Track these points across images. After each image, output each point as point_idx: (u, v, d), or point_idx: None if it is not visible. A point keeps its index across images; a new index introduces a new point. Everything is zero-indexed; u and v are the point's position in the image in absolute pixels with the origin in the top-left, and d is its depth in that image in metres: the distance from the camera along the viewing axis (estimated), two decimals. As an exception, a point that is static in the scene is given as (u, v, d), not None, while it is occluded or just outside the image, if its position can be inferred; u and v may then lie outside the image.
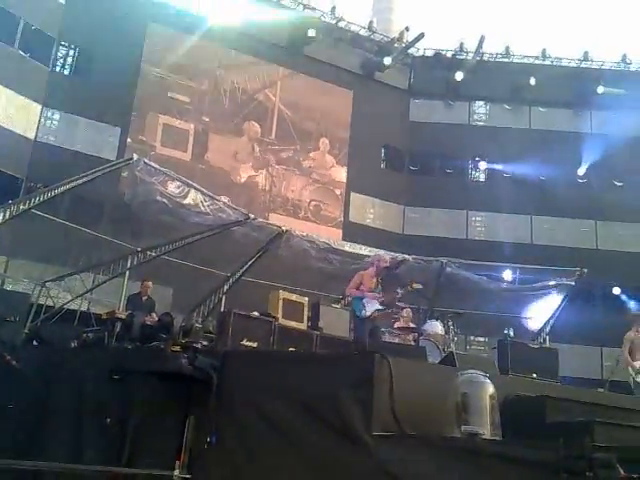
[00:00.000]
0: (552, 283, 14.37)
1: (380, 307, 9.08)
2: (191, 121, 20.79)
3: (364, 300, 8.96)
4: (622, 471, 3.47)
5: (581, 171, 22.56)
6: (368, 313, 8.90)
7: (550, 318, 14.63)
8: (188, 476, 4.90)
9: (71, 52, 20.00)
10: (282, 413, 4.90)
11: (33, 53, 18.67)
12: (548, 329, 14.58)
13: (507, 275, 16.24)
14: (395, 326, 10.53)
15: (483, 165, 23.77)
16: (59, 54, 19.74)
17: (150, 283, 11.21)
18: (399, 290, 9.22)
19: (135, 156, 11.37)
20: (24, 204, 12.04)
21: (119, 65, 18.97)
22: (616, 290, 19.92)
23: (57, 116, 19.09)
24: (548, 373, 7.79)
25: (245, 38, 21.12)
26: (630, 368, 9.20)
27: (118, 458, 5.31)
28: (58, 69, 19.74)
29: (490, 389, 4.47)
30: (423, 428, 4.47)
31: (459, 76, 23.09)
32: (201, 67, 20.99)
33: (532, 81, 22.74)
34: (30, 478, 5.92)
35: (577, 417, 4.56)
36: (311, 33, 21.70)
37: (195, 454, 5.03)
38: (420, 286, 9.33)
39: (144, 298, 10.90)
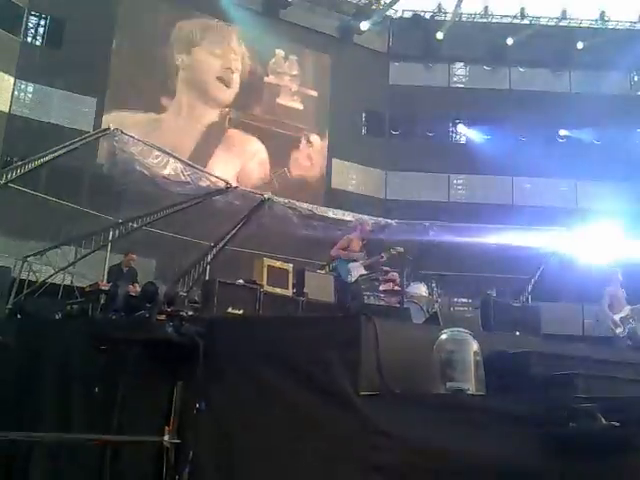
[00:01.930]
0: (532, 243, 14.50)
1: (364, 272, 9.18)
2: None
3: (349, 265, 9.03)
4: (604, 420, 3.54)
5: (561, 132, 22.64)
6: (353, 278, 8.99)
7: (532, 277, 14.82)
8: (178, 441, 4.94)
9: (42, 22, 19.53)
10: (270, 376, 4.93)
11: (3, 24, 18.21)
12: (530, 288, 14.78)
13: (490, 237, 16.32)
14: (380, 289, 10.61)
15: (463, 127, 23.72)
16: (30, 24, 19.26)
17: (134, 255, 11.18)
18: (383, 254, 9.31)
19: (112, 126, 11.18)
20: (1, 178, 11.87)
21: (92, 34, 18.59)
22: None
23: (31, 88, 18.72)
24: (531, 330, 7.89)
25: (220, 3, 20.76)
26: (610, 321, 9.44)
27: (107, 426, 5.34)
28: (30, 40, 19.30)
29: (474, 345, 4.52)
30: (409, 386, 4.52)
31: (438, 37, 22.89)
32: (175, 34, 20.63)
33: (509, 41, 22.68)
34: (22, 451, 5.95)
35: (559, 370, 4.63)
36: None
37: (184, 419, 5.06)
38: (401, 249, 9.43)
39: (125, 269, 10.88)
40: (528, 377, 4.70)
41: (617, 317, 9.77)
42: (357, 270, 9.06)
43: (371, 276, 9.84)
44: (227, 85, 21.18)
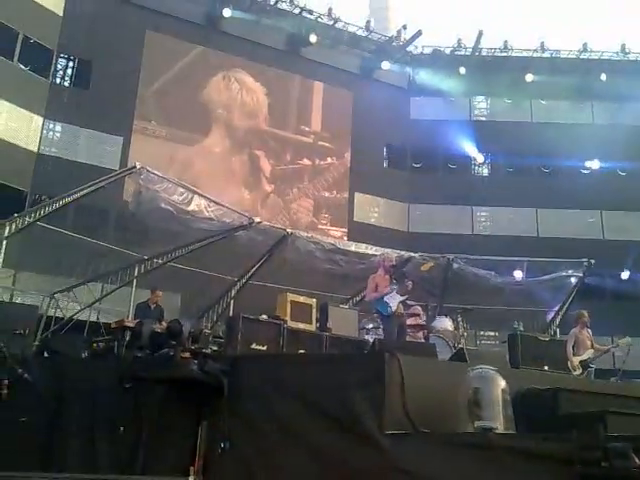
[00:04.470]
0: (560, 275, 14.34)
1: (402, 298, 9.06)
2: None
3: (386, 298, 8.94)
4: (638, 460, 3.44)
5: (585, 162, 22.54)
6: (394, 308, 8.87)
7: (559, 310, 14.60)
8: (203, 482, 4.91)
9: (70, 63, 20.10)
10: (295, 416, 4.90)
11: (33, 66, 18.77)
12: (558, 321, 14.55)
13: (515, 269, 16.16)
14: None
15: (486, 160, 23.78)
16: (58, 66, 19.81)
17: (160, 292, 11.17)
18: (407, 281, 9.21)
19: (138, 164, 11.34)
20: (29, 217, 12.11)
21: (119, 74, 19.07)
22: (624, 274, 19.82)
23: (59, 128, 19.16)
24: (559, 365, 7.77)
25: (244, 43, 21.23)
26: (569, 363, 9.33)
27: (132, 466, 5.32)
28: (58, 81, 19.81)
29: (502, 383, 4.45)
30: (436, 425, 4.46)
31: (458, 72, 23.06)
32: (199, 75, 21.03)
33: (529, 77, 22.84)
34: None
35: (590, 408, 4.53)
36: (313, 39, 21.79)
37: (209, 459, 5.03)
38: (432, 263, 9.29)
39: (152, 306, 10.88)
40: (558, 415, 4.61)
41: (577, 359, 9.76)
42: (394, 299, 8.95)
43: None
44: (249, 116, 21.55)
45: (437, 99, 23.72)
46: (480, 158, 23.58)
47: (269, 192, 21.53)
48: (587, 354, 9.90)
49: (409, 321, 10.29)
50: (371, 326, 10.57)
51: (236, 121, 21.36)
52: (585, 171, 22.66)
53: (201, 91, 20.90)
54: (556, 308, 14.61)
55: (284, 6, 21.87)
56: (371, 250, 13.72)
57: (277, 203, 21.46)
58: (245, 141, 21.47)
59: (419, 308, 10.51)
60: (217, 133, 21.08)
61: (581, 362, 9.79)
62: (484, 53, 23.52)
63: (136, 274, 13.70)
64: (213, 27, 21.17)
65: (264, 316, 8.61)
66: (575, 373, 9.54)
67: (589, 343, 10.04)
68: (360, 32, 23.34)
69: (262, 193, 21.45)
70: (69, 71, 20.12)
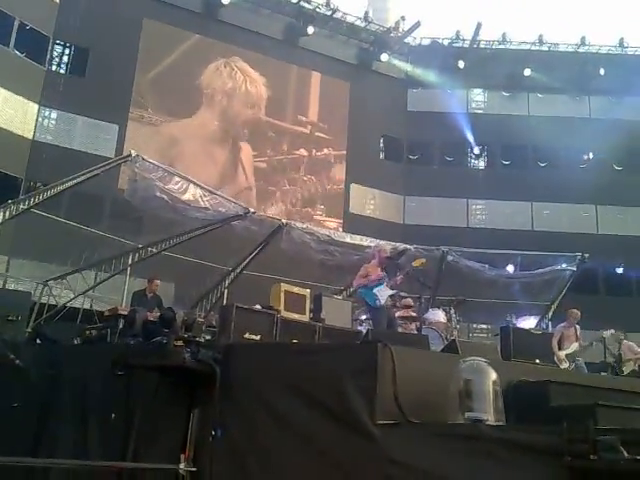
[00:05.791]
0: (554, 269, 14.38)
1: (392, 292, 9.07)
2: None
3: (375, 290, 8.95)
4: (626, 453, 3.46)
5: (581, 157, 22.57)
6: (382, 301, 8.88)
7: (552, 303, 14.65)
8: (194, 469, 4.91)
9: (67, 50, 20.01)
10: (286, 404, 4.91)
11: (29, 52, 18.68)
12: (550, 315, 14.60)
13: (509, 262, 16.17)
14: (397, 315, 10.50)
15: (482, 153, 23.78)
16: (55, 53, 19.72)
17: (158, 281, 11.08)
18: (399, 274, 9.22)
19: (133, 153, 11.31)
20: (24, 203, 12.08)
21: (115, 62, 18.99)
22: (619, 270, 19.94)
23: (54, 115, 19.09)
24: (550, 358, 7.80)
25: (241, 32, 21.13)
26: (555, 357, 9.45)
27: (123, 453, 5.33)
28: (54, 68, 19.73)
29: (493, 375, 4.47)
30: (427, 416, 4.47)
31: (456, 64, 23.01)
32: (197, 62, 20.93)
33: (527, 71, 22.86)
34: (39, 475, 5.95)
35: (580, 401, 4.55)
36: (310, 29, 21.70)
37: (200, 447, 5.04)
38: (424, 260, 9.32)
39: (149, 295, 10.81)
40: (548, 407, 4.63)
41: (562, 353, 9.88)
42: (383, 292, 8.95)
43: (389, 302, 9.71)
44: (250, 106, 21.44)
45: (434, 91, 23.66)
46: (476, 151, 23.62)
47: (243, 188, 21.29)
48: (573, 347, 10.06)
49: (402, 313, 10.32)
50: (364, 317, 10.56)
51: (235, 109, 21.24)
52: (581, 165, 22.69)
53: (198, 79, 20.78)
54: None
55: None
56: (366, 242, 13.73)
57: (251, 200, 21.01)
58: (236, 131, 21.31)
59: (411, 300, 10.52)
60: (209, 117, 20.94)
61: (567, 355, 9.91)
62: (482, 45, 23.47)
63: (130, 262, 13.68)
64: (211, 15, 21.07)
65: (258, 306, 8.61)
66: (563, 366, 9.64)
67: (574, 339, 10.18)
68: (358, 22, 23.28)
69: (237, 186, 21.20)
70: (65, 58, 20.04)
